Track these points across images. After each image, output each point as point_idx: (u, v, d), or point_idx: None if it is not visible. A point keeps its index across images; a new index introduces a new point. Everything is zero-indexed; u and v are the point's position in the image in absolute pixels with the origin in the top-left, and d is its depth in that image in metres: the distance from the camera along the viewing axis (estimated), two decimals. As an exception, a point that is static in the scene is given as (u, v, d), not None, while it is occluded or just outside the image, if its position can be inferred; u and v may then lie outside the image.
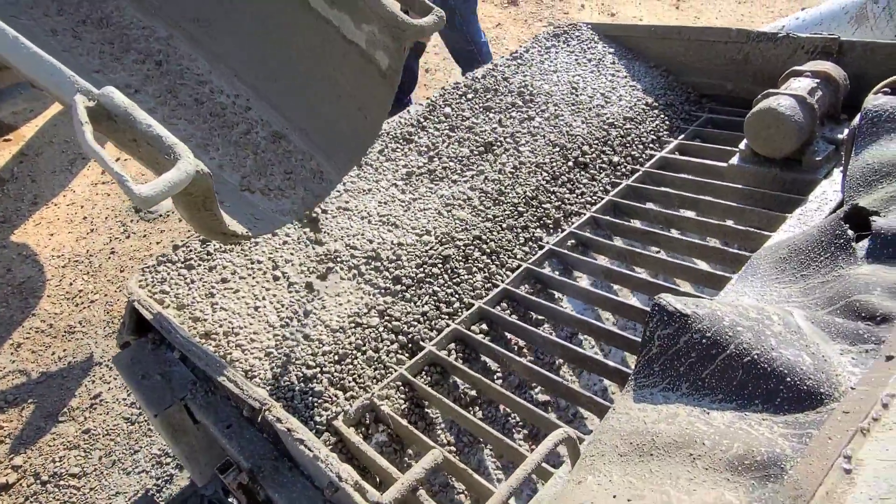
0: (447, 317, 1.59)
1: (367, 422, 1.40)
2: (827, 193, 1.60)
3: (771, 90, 1.72)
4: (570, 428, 1.08)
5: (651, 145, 2.10)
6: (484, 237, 1.74)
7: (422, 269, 1.64)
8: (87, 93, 1.02)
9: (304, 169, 1.47)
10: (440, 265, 1.66)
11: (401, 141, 1.98)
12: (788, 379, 0.85)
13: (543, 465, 1.12)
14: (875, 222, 1.06)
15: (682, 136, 2.10)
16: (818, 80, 1.73)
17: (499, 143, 1.98)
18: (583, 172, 1.96)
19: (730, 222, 1.75)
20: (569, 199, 1.89)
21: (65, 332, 3.62)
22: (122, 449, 3.12)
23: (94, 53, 1.51)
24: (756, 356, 0.88)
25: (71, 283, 3.86)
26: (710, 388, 0.92)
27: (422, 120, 2.04)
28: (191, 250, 1.70)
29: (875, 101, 1.45)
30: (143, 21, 1.57)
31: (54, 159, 4.71)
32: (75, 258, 4.02)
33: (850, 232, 1.08)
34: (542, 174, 1.92)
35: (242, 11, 1.54)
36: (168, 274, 1.65)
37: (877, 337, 0.89)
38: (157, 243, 4.09)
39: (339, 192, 1.83)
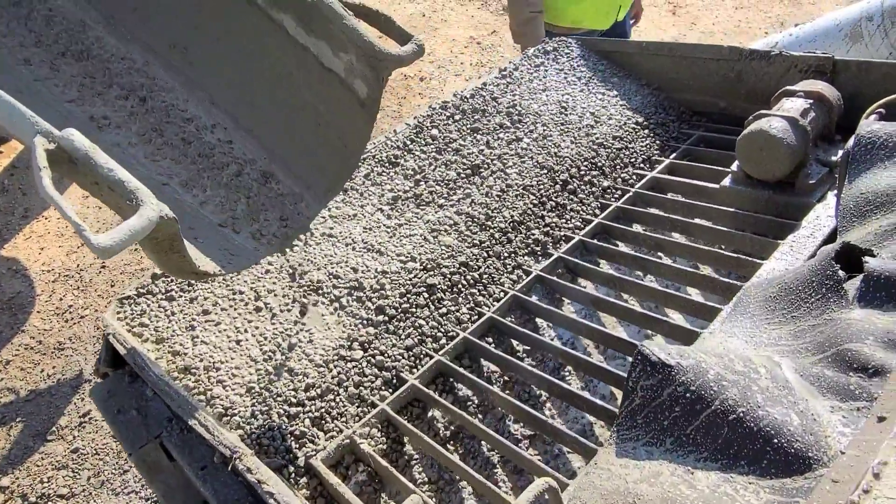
0: (431, 348, 1.55)
1: (347, 462, 1.35)
2: (821, 219, 1.56)
3: (763, 111, 1.68)
4: (551, 478, 1.04)
5: (642, 165, 2.06)
6: (470, 264, 1.70)
7: (406, 299, 1.60)
8: (47, 134, 0.98)
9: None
10: (425, 294, 1.62)
11: (386, 164, 1.94)
12: (775, 440, 0.81)
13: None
14: (867, 264, 1.02)
15: (674, 155, 2.06)
16: (811, 101, 1.69)
17: (486, 166, 1.94)
18: (571, 195, 1.92)
19: (721, 248, 1.71)
20: (557, 223, 1.85)
21: (54, 348, 3.58)
22: (111, 469, 3.08)
23: (73, 86, 1.47)
24: (742, 414, 0.84)
25: (61, 299, 3.82)
26: (694, 444, 0.88)
27: (408, 142, 2.00)
28: (171, 280, 1.66)
29: (868, 126, 1.41)
30: (123, 52, 1.53)
31: (45, 172, 4.66)
32: (65, 273, 3.98)
33: (841, 273, 1.04)
34: (529, 197, 1.88)
35: (219, 37, 1.51)
36: (148, 306, 1.61)
37: (868, 393, 0.85)
38: (148, 258, 4.05)
39: (323, 217, 1.79)
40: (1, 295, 3.82)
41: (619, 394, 1.50)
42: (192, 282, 1.65)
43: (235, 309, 1.59)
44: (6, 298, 3.81)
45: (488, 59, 5.91)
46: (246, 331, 1.54)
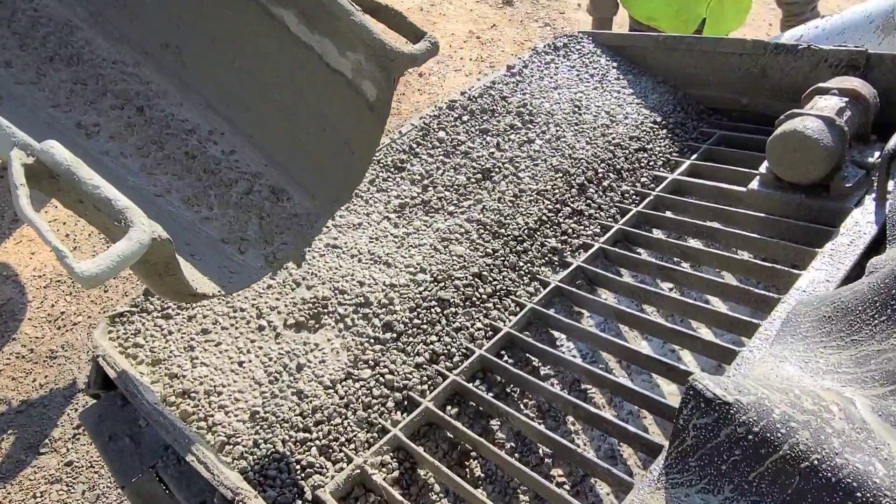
0: (445, 367, 1.45)
1: (356, 494, 1.26)
2: (860, 225, 1.46)
3: (795, 110, 1.58)
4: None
5: (662, 167, 1.96)
6: (484, 275, 1.60)
7: (416, 314, 1.50)
8: (24, 147, 0.88)
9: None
10: (437, 308, 1.52)
11: (392, 170, 1.83)
12: (859, 494, 0.71)
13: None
14: (939, 283, 0.92)
15: (695, 155, 1.95)
16: (846, 99, 1.59)
17: (497, 170, 1.84)
18: (589, 200, 1.82)
19: (750, 256, 1.61)
20: (575, 230, 1.75)
21: (46, 357, 3.47)
22: (107, 482, 2.97)
23: (62, 93, 1.36)
24: (816, 462, 0.74)
25: (53, 305, 3.70)
26: (759, 493, 0.78)
27: (414, 146, 1.89)
28: (167, 296, 1.55)
29: (916, 127, 1.31)
30: (115, 56, 1.42)
31: (36, 173, 4.54)
32: (57, 278, 3.86)
33: (908, 293, 0.94)
34: (544, 202, 1.77)
35: (215, 36, 1.40)
36: (143, 324, 1.51)
37: (958, 436, 0.75)
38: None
39: (327, 227, 1.68)
40: (-9, 302, 3.71)
41: (646, 420, 1.41)
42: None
43: (237, 328, 1.48)
44: (-4, 305, 3.69)
45: (488, 53, 5.80)
46: (249, 351, 1.44)
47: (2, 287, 3.81)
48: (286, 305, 1.51)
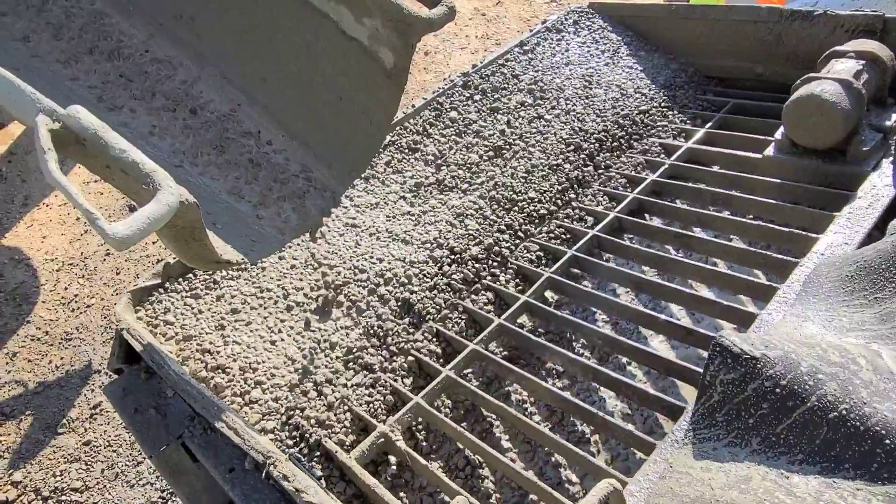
0: (465, 336, 1.46)
1: (380, 460, 1.27)
2: (878, 188, 1.45)
3: (812, 74, 1.57)
4: (615, 480, 0.95)
5: (675, 138, 1.95)
6: (499, 247, 1.61)
7: (434, 287, 1.51)
8: (50, 113, 0.88)
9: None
10: (454, 280, 1.52)
11: (406, 151, 1.83)
12: (887, 441, 0.71)
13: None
14: (964, 238, 0.92)
15: (709, 124, 1.94)
16: (863, 62, 1.58)
17: (508, 147, 1.84)
18: (601, 171, 1.82)
19: (768, 222, 1.61)
20: (588, 201, 1.75)
21: (61, 339, 3.50)
22: (125, 460, 3.01)
23: (95, 77, 1.35)
24: (844, 411, 0.75)
25: (66, 288, 3.72)
26: (787, 445, 0.79)
27: (427, 127, 1.88)
28: (193, 278, 1.56)
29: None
30: (140, 37, 1.41)
31: (44, 158, 4.54)
32: (69, 261, 3.88)
33: (933, 249, 0.94)
34: (556, 176, 1.77)
35: (229, 6, 1.39)
36: (172, 303, 1.51)
37: None
38: (154, 243, 3.95)
39: (345, 207, 1.69)
40: (4, 285, 3.73)
41: (659, 382, 1.41)
42: (217, 280, 1.55)
43: (265, 308, 1.49)
44: (10, 289, 3.72)
45: (494, 30, 5.75)
46: (280, 330, 1.45)
47: (14, 271, 3.83)
48: (311, 287, 1.52)
